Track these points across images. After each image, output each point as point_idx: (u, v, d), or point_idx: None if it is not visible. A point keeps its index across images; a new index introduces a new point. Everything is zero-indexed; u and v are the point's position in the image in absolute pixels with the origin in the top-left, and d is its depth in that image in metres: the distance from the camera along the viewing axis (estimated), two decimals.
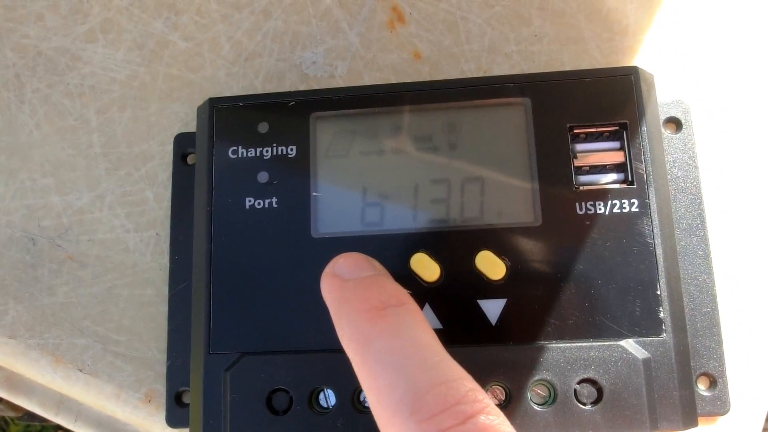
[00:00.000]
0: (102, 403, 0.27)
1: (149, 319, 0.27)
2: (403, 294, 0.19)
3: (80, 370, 0.27)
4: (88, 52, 0.30)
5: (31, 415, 0.50)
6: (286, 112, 0.24)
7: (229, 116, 0.24)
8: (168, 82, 0.30)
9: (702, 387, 0.24)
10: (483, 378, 0.21)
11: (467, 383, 0.16)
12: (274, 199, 0.23)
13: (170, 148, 0.29)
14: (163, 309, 0.27)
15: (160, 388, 0.27)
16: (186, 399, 0.26)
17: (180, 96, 0.29)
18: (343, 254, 0.20)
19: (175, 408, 0.26)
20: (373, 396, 0.16)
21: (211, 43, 0.30)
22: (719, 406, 0.24)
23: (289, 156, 0.24)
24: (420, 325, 0.18)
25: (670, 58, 0.28)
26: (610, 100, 0.23)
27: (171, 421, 0.26)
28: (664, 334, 0.21)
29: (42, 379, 0.28)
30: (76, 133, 0.30)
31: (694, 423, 0.21)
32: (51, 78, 0.30)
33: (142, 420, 0.27)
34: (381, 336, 0.17)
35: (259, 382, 0.22)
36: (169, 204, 0.28)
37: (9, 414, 0.48)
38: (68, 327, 0.28)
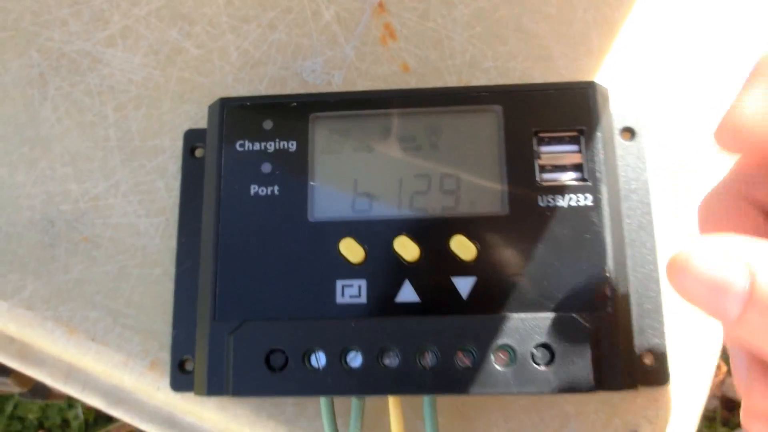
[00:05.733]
0: (111, 371, 0.30)
1: (156, 295, 0.30)
2: None
3: (92, 340, 0.30)
4: (107, 56, 0.34)
5: (34, 392, 0.52)
6: (289, 112, 0.27)
7: (237, 114, 0.28)
8: (180, 85, 0.33)
9: (647, 361, 0.27)
10: (454, 343, 0.24)
11: None
12: (276, 188, 0.27)
13: (180, 143, 0.32)
14: (170, 286, 0.30)
15: (165, 356, 0.30)
16: (188, 366, 0.29)
17: (191, 97, 0.33)
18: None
19: (179, 374, 0.29)
20: None
21: (220, 51, 0.33)
22: (661, 378, 0.27)
23: (290, 150, 0.27)
24: None
25: (627, 75, 0.31)
26: (570, 109, 0.26)
27: (175, 385, 0.29)
28: (610, 309, 0.24)
29: (56, 348, 0.31)
30: (95, 127, 0.33)
31: (633, 386, 0.25)
32: (73, 78, 0.33)
33: (147, 386, 0.30)
34: None
35: (259, 344, 0.25)
36: (178, 192, 0.31)
37: (15, 390, 0.50)
38: (82, 301, 0.30)
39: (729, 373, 0.92)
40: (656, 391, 0.28)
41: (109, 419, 1.01)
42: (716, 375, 0.92)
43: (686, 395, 0.29)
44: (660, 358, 0.27)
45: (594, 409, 0.28)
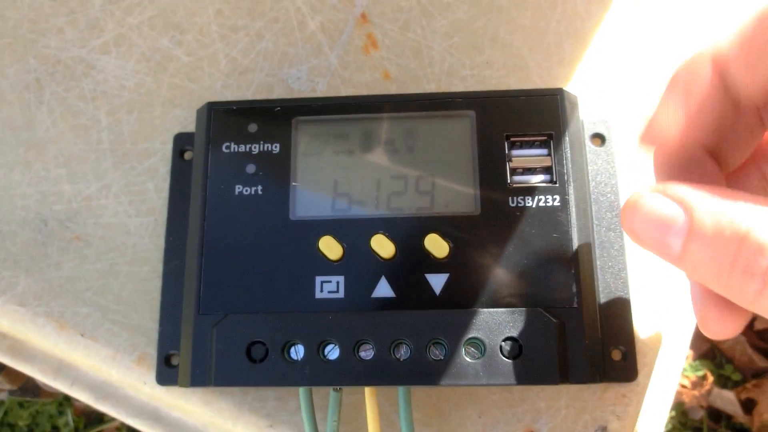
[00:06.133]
0: (99, 365, 0.31)
1: (145, 292, 0.31)
2: None
3: (81, 335, 0.31)
4: (102, 62, 0.35)
5: (24, 390, 0.52)
6: (273, 116, 0.29)
7: (224, 117, 0.29)
8: (171, 90, 0.34)
9: (615, 357, 0.28)
10: (426, 337, 0.25)
11: None
12: (260, 187, 0.28)
13: (170, 146, 0.33)
14: (158, 284, 0.31)
15: (152, 351, 0.31)
16: (174, 361, 0.30)
17: (181, 102, 0.34)
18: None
19: (165, 368, 0.30)
20: None
21: (210, 59, 0.35)
22: (629, 375, 0.28)
23: (274, 152, 0.28)
24: None
25: (598, 84, 0.33)
26: (540, 115, 0.28)
27: (160, 379, 0.30)
28: (576, 304, 0.25)
29: (46, 343, 0.32)
30: (88, 131, 0.34)
31: (599, 379, 0.26)
32: (68, 83, 0.35)
33: (134, 380, 0.31)
34: None
35: (240, 336, 0.26)
36: (167, 194, 0.32)
37: (5, 387, 0.51)
38: (72, 298, 0.32)
39: (715, 383, 0.93)
40: (625, 387, 0.29)
41: (100, 423, 1.01)
42: (702, 386, 0.93)
43: (654, 392, 0.30)
44: (628, 354, 0.28)
45: (564, 405, 0.29)
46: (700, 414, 0.92)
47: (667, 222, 0.18)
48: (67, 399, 1.03)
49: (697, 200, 0.18)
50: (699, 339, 0.97)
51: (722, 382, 0.93)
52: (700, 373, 0.93)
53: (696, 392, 0.92)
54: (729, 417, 0.92)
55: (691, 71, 0.21)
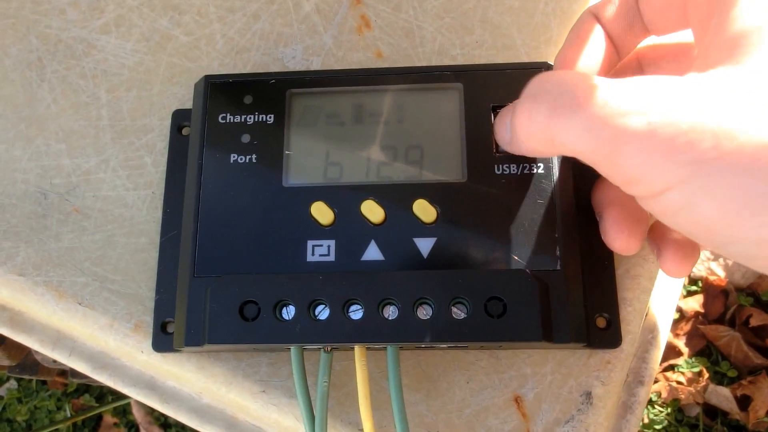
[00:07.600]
0: (96, 333, 0.32)
1: (142, 262, 0.32)
2: None
3: (79, 304, 0.32)
4: (102, 42, 0.36)
5: (23, 368, 0.53)
6: (268, 88, 0.30)
7: (220, 89, 0.30)
8: (169, 69, 0.35)
9: (600, 326, 0.29)
10: (414, 297, 0.26)
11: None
12: (254, 156, 0.29)
13: (168, 122, 0.34)
14: (154, 254, 0.32)
15: (148, 319, 0.31)
16: (170, 328, 0.31)
17: (179, 80, 0.35)
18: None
19: (161, 335, 0.30)
20: None
21: (208, 39, 0.35)
22: (613, 342, 0.29)
23: (268, 123, 0.29)
24: None
25: None
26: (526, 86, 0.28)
27: (156, 345, 0.30)
28: (558, 267, 0.26)
29: (45, 311, 0.32)
30: (88, 108, 0.35)
31: (581, 340, 0.26)
32: (69, 62, 0.36)
33: (130, 347, 0.31)
34: None
35: (233, 296, 0.26)
36: (164, 168, 0.33)
37: (4, 363, 0.51)
38: (71, 267, 0.32)
39: (711, 380, 0.93)
40: (609, 353, 0.30)
41: (97, 422, 1.01)
42: (698, 383, 0.94)
43: (638, 360, 0.31)
44: (612, 321, 0.29)
45: (550, 371, 0.30)
46: (696, 411, 0.93)
47: (505, 111, 0.27)
48: (66, 394, 1.03)
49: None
50: (695, 336, 0.97)
51: (718, 378, 0.94)
52: (696, 370, 0.94)
53: (692, 389, 0.93)
54: (725, 414, 0.92)
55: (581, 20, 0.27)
